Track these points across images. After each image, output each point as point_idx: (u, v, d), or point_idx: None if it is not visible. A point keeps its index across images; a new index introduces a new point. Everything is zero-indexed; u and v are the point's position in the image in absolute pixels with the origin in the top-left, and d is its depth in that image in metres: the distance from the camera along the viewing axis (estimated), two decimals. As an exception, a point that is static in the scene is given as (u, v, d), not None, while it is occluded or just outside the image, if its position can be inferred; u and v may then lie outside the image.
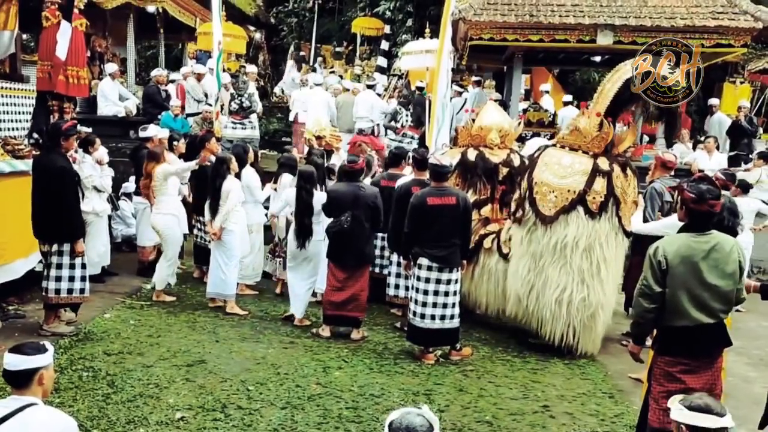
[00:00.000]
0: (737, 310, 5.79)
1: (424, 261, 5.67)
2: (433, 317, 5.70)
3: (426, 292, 5.69)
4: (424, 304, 5.70)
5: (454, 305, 5.76)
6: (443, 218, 5.59)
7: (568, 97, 13.21)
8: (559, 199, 5.92)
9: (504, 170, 6.73)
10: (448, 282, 5.70)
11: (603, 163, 5.91)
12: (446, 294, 5.71)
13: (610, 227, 5.87)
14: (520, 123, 7.90)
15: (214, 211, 6.63)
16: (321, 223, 6.42)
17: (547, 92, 12.72)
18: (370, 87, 12.89)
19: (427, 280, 5.68)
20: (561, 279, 5.92)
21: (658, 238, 3.98)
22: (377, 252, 7.07)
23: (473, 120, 7.60)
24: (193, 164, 7.17)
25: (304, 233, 6.30)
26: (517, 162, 6.76)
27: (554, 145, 6.41)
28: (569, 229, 5.87)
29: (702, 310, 3.65)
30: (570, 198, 5.88)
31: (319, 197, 6.36)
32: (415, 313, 5.78)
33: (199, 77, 12.17)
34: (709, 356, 3.76)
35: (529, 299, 6.11)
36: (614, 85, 6.15)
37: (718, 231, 3.82)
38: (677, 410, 2.63)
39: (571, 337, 5.97)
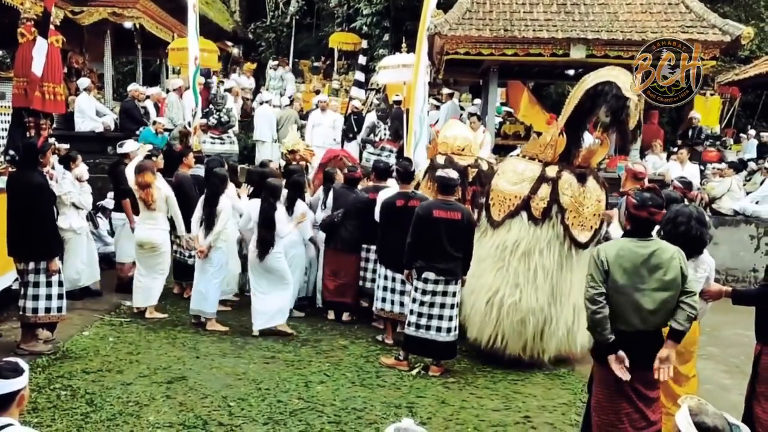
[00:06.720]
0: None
1: (430, 275, 5.70)
2: (428, 328, 5.74)
3: (432, 305, 5.72)
4: (430, 317, 5.72)
5: (451, 318, 5.78)
6: (448, 232, 5.63)
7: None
8: (507, 204, 6.02)
9: (473, 171, 6.88)
10: (453, 294, 5.75)
11: (550, 171, 5.97)
12: (450, 306, 5.74)
13: (554, 235, 5.89)
14: (485, 131, 7.95)
15: (209, 228, 6.61)
16: (282, 239, 6.55)
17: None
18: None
19: (434, 293, 5.71)
20: (495, 281, 5.97)
21: None
22: (370, 266, 7.22)
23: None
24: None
25: (264, 245, 6.43)
26: (485, 166, 6.92)
27: (518, 155, 6.54)
28: (511, 233, 5.96)
29: (639, 315, 3.64)
30: (516, 203, 5.98)
31: (281, 212, 6.52)
32: (410, 323, 5.83)
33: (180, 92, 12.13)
34: (642, 366, 3.68)
35: (467, 302, 6.17)
36: (577, 96, 6.24)
37: (685, 241, 3.92)
38: (685, 420, 2.44)
39: (499, 340, 5.97)
